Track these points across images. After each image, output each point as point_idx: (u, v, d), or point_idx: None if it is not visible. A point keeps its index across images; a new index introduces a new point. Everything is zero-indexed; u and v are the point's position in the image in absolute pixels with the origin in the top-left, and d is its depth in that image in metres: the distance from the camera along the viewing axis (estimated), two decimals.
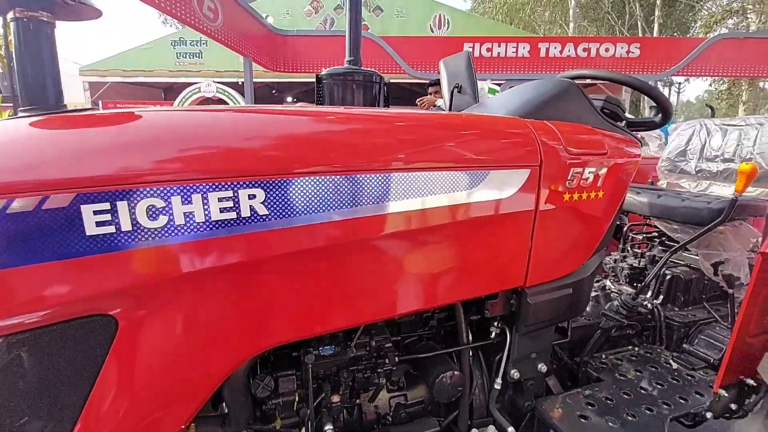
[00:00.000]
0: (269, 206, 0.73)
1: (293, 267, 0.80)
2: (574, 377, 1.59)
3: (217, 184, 0.69)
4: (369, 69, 1.77)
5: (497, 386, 1.22)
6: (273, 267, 0.78)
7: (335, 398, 1.04)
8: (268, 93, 15.53)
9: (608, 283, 2.03)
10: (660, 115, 1.39)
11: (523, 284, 1.11)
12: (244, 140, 0.75)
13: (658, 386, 1.49)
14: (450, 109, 1.59)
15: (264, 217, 0.73)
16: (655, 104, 1.39)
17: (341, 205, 0.80)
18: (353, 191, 0.80)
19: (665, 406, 1.38)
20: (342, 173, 0.79)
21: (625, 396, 1.41)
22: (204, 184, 0.68)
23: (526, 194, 1.02)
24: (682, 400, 1.42)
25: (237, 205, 0.70)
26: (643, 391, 1.45)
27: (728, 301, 1.88)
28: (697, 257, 1.91)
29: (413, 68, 7.42)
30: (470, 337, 1.22)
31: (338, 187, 0.79)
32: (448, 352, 1.18)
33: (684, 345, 1.77)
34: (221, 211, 0.69)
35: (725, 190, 1.98)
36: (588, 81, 1.82)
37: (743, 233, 1.82)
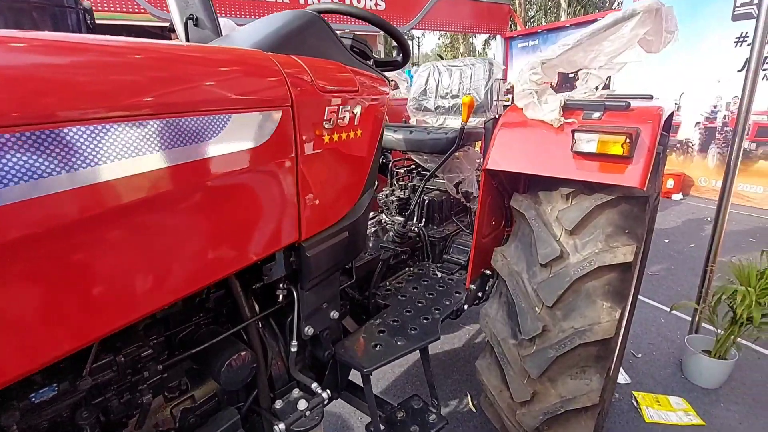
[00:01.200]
0: None
1: None
2: (367, 310, 1.70)
3: None
4: None
5: (294, 348, 1.16)
6: None
7: None
8: None
9: (383, 217, 2.22)
10: (401, 55, 1.48)
11: (298, 239, 1.03)
12: None
13: (430, 296, 1.75)
14: None
15: None
16: (396, 45, 1.46)
17: (12, 177, 0.50)
18: (36, 156, 0.51)
19: (437, 311, 1.62)
20: (16, 128, 0.49)
21: (408, 313, 1.60)
22: None
23: (281, 140, 0.90)
24: (447, 302, 1.70)
25: None
26: (420, 304, 1.67)
27: (467, 212, 2.35)
28: (443, 181, 2.28)
29: (156, 7, 6.10)
30: (256, 308, 1.10)
31: (10, 150, 0.49)
32: (233, 332, 1.03)
33: (444, 255, 2.12)
34: None
35: (456, 122, 2.38)
36: None
37: (471, 156, 2.25)
